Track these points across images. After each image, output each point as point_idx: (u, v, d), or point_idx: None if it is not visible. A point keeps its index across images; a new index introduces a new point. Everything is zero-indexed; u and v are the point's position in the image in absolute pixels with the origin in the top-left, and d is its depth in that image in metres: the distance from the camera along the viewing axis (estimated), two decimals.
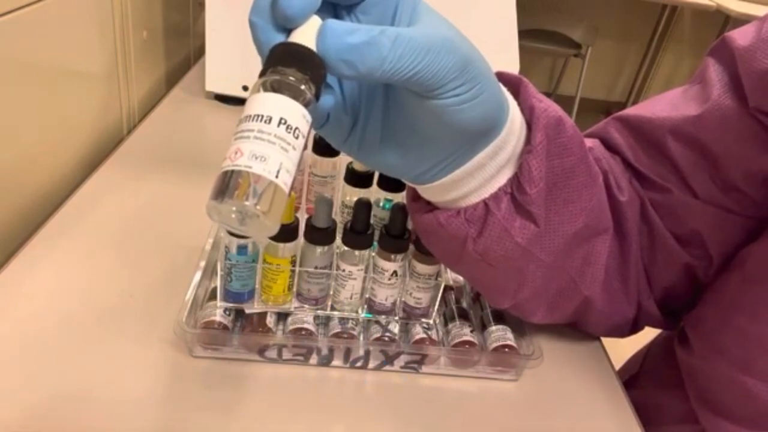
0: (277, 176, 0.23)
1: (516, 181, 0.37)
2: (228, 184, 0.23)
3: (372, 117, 0.34)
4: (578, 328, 0.51)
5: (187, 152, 0.74)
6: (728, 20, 2.81)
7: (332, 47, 0.25)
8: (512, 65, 0.88)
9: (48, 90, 0.60)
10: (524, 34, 1.29)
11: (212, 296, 0.47)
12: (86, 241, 0.55)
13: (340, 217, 0.54)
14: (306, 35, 0.26)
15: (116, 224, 0.58)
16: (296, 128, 0.24)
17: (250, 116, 0.24)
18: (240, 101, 0.87)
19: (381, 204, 0.52)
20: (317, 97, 0.25)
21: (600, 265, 0.44)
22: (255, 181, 0.23)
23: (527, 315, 0.47)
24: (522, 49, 0.90)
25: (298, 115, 0.24)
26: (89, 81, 0.70)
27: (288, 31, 0.26)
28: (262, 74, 0.25)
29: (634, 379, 0.58)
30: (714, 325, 0.45)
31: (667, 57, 3.44)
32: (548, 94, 3.67)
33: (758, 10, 2.59)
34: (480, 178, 0.36)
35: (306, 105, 0.25)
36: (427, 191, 0.38)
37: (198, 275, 0.47)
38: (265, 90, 0.24)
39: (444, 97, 0.29)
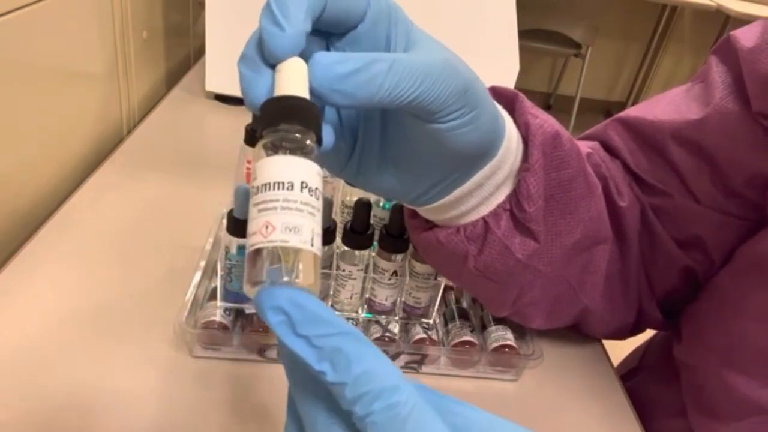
0: (312, 245, 0.22)
1: (515, 198, 0.37)
2: (266, 264, 0.21)
3: (370, 142, 0.33)
4: (579, 330, 0.51)
5: (187, 152, 0.74)
6: (728, 20, 2.81)
7: (323, 80, 0.24)
8: (512, 65, 0.88)
9: (48, 90, 0.60)
10: (524, 34, 1.29)
11: (212, 296, 0.47)
12: (86, 241, 0.55)
13: (340, 217, 0.54)
14: (294, 78, 0.25)
15: (116, 224, 0.58)
16: (316, 189, 0.23)
17: (270, 184, 0.22)
18: (240, 101, 0.86)
19: (381, 204, 0.52)
20: (319, 143, 0.24)
21: (599, 274, 0.44)
22: (294, 256, 0.22)
23: (527, 321, 0.47)
24: (522, 49, 0.90)
25: (314, 174, 0.23)
26: (89, 81, 0.70)
27: (272, 67, 0.25)
28: (261, 135, 0.24)
29: (633, 372, 0.58)
30: (703, 320, 0.46)
31: (667, 57, 3.44)
32: (548, 95, 3.63)
33: (758, 10, 2.59)
34: (478, 196, 0.36)
35: (314, 155, 0.24)
36: (425, 211, 0.38)
37: (198, 275, 0.47)
38: (270, 151, 0.23)
39: (444, 121, 0.29)
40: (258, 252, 0.22)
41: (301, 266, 0.22)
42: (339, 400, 0.21)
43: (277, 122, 0.23)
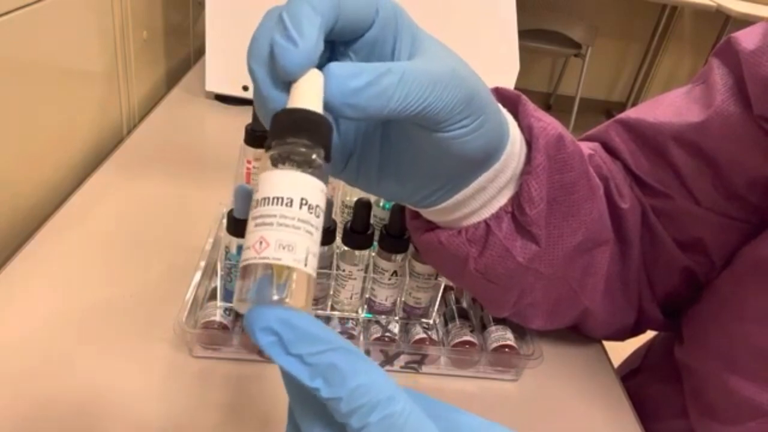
0: (306, 264, 0.21)
1: (516, 201, 0.37)
2: (257, 281, 0.21)
3: (369, 149, 0.33)
4: (579, 331, 0.51)
5: (187, 152, 0.74)
6: (728, 20, 2.81)
7: (337, 93, 0.24)
8: (512, 65, 0.88)
9: (48, 90, 0.60)
10: (524, 34, 1.29)
11: (212, 296, 0.47)
12: (86, 241, 0.55)
13: (340, 217, 0.54)
14: (308, 90, 0.24)
15: (116, 224, 0.58)
16: (317, 206, 0.22)
17: (269, 199, 0.22)
18: (240, 101, 0.87)
19: (381, 204, 0.52)
20: (328, 159, 0.24)
21: (600, 276, 0.44)
22: (286, 275, 0.21)
23: (527, 322, 0.47)
24: (522, 49, 0.90)
25: (317, 191, 0.23)
26: (89, 81, 0.70)
27: (288, 85, 0.25)
28: (269, 146, 0.23)
29: (635, 372, 0.58)
30: (704, 322, 0.46)
31: (667, 57, 3.44)
32: (548, 94, 3.63)
33: (758, 10, 2.59)
34: (481, 199, 0.36)
35: (320, 171, 0.23)
36: (427, 213, 0.38)
37: (198, 275, 0.47)
38: (277, 164, 0.22)
39: (450, 129, 0.29)
40: (249, 268, 0.21)
41: (293, 286, 0.21)
42: (334, 414, 0.21)
43: (285, 135, 0.23)
